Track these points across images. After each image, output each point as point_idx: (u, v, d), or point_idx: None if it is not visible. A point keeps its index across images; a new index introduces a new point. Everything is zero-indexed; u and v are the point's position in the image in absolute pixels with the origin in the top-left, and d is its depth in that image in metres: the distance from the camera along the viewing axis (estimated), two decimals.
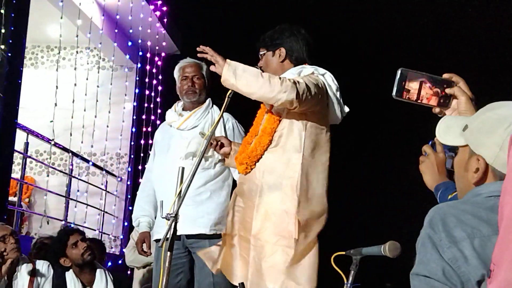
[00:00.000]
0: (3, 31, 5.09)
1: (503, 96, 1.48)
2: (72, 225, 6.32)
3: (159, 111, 8.24)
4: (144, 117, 8.39)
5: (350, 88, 3.55)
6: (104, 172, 7.99)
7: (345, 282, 2.25)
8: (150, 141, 7.71)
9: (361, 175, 10.42)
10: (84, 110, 7.16)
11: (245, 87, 2.67)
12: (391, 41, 10.34)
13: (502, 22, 9.79)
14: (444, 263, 1.28)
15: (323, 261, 2.68)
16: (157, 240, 3.29)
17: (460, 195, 1.48)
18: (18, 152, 5.80)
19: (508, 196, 1.12)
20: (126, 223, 8.14)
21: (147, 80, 8.40)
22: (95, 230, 7.47)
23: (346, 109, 2.98)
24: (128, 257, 5.19)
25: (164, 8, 8.22)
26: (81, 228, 4.94)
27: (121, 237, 8.13)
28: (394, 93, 1.68)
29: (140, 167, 8.10)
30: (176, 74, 3.63)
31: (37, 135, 6.32)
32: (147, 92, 8.41)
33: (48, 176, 7.28)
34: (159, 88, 8.48)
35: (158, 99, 8.41)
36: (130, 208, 7.74)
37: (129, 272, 5.99)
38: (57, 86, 6.30)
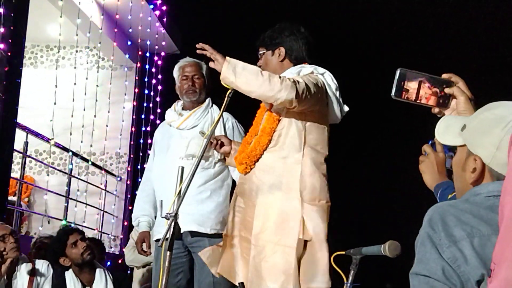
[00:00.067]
0: (2, 30, 5.09)
1: (503, 96, 1.48)
2: (72, 225, 6.32)
3: (158, 110, 8.25)
4: (143, 116, 8.40)
5: (350, 88, 3.55)
6: (103, 171, 7.99)
7: (345, 281, 2.25)
8: (149, 141, 7.72)
9: (361, 175, 10.42)
10: (84, 110, 7.16)
11: (244, 85, 2.66)
12: (391, 41, 10.34)
13: (502, 22, 9.79)
14: (443, 263, 1.28)
15: None
16: (158, 240, 3.29)
17: (458, 195, 1.48)
18: (18, 151, 5.80)
19: (509, 196, 1.11)
20: (125, 223, 8.14)
21: (146, 79, 8.40)
22: (94, 229, 7.46)
23: (346, 108, 2.97)
24: (127, 257, 5.19)
25: (164, 8, 8.22)
26: (80, 228, 4.94)
27: (121, 236, 8.14)
28: (393, 93, 1.68)
29: (139, 167, 8.10)
30: (176, 73, 3.63)
31: (36, 134, 6.32)
32: (146, 91, 8.41)
33: (48, 175, 7.28)
34: (159, 87, 8.49)
35: (158, 99, 8.41)
36: (130, 207, 7.74)
37: (129, 271, 5.99)
38: (56, 86, 6.30)
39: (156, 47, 8.33)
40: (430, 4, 10.42)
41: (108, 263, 6.48)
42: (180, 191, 2.69)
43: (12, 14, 5.20)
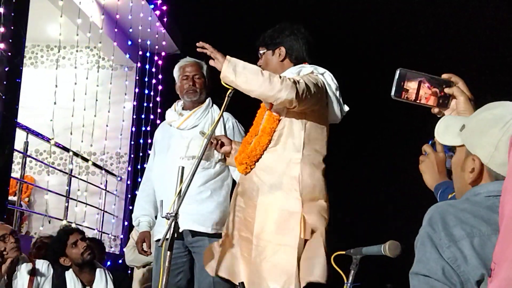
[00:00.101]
0: (2, 30, 5.09)
1: (503, 96, 1.48)
2: (73, 225, 6.32)
3: (159, 110, 8.25)
4: (143, 116, 8.40)
5: (350, 88, 3.55)
6: (104, 171, 7.99)
7: (345, 281, 2.25)
8: (149, 141, 7.72)
9: (361, 174, 10.41)
10: (84, 110, 7.16)
11: (244, 84, 2.66)
12: (391, 41, 10.34)
13: (502, 22, 9.79)
14: (443, 262, 1.28)
15: None
16: (158, 240, 3.29)
17: (458, 195, 1.49)
18: (18, 151, 5.80)
19: (509, 195, 1.12)
20: (126, 223, 8.14)
21: (146, 79, 8.40)
22: (94, 229, 7.47)
23: (346, 108, 2.97)
24: (128, 257, 5.19)
25: (164, 8, 8.22)
26: (81, 228, 4.94)
27: (121, 236, 8.14)
28: (392, 93, 1.68)
29: (139, 167, 8.10)
30: (176, 73, 3.63)
31: (37, 134, 6.32)
32: (147, 91, 8.42)
33: (48, 175, 7.28)
34: (159, 87, 8.49)
35: (158, 99, 8.41)
36: (130, 207, 7.74)
37: (129, 271, 5.99)
38: (56, 85, 6.30)
39: (157, 47, 8.34)
40: (430, 4, 10.42)
41: (108, 263, 6.48)
42: (180, 191, 2.69)
43: (12, 14, 5.20)
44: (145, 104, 8.42)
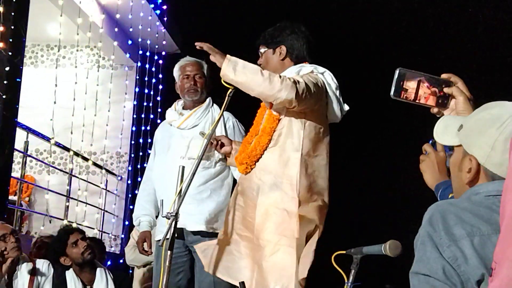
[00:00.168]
0: (2, 29, 5.10)
1: (503, 96, 1.48)
2: (73, 225, 6.32)
3: (159, 110, 8.24)
4: (144, 116, 8.40)
5: (350, 87, 3.55)
6: (104, 171, 7.99)
7: (346, 281, 2.25)
8: (150, 140, 7.72)
9: (362, 174, 10.41)
10: (84, 109, 7.15)
11: (244, 83, 2.66)
12: (391, 41, 10.34)
13: (502, 22, 9.79)
14: (444, 262, 1.28)
15: (323, 260, 2.68)
16: (159, 240, 3.29)
17: (456, 195, 1.49)
18: (18, 151, 5.80)
19: (510, 194, 1.12)
20: (126, 222, 8.14)
21: (147, 78, 8.39)
22: (93, 229, 7.47)
23: (346, 107, 2.96)
24: (128, 256, 5.19)
25: (164, 7, 8.22)
26: (81, 227, 4.94)
27: (122, 236, 8.14)
28: (392, 92, 1.68)
29: (140, 166, 8.11)
30: (177, 72, 3.63)
31: (37, 134, 6.32)
32: (147, 90, 8.41)
33: (48, 175, 7.28)
34: (159, 87, 8.48)
35: (158, 98, 8.41)
36: (131, 207, 7.74)
37: (130, 271, 5.99)
38: (56, 85, 6.30)
39: (157, 46, 8.33)
40: (430, 4, 10.42)
41: (109, 263, 6.48)
42: (180, 190, 2.69)
43: (13, 14, 5.21)
44: (145, 104, 8.43)
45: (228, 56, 2.68)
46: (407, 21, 10.45)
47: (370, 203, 10.37)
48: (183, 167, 2.77)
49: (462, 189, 1.43)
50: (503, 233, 1.12)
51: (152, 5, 7.95)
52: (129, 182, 8.38)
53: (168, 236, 2.62)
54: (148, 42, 8.16)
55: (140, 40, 7.98)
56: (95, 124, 7.25)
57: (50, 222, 6.75)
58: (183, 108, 3.61)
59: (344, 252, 2.31)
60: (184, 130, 3.51)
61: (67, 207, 6.84)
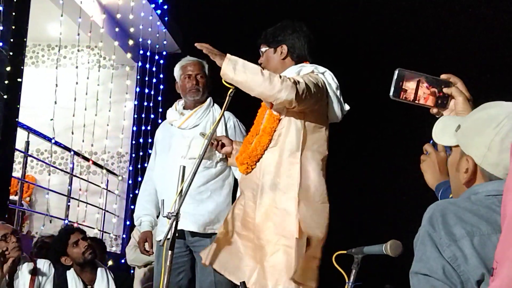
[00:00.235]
0: (3, 29, 5.10)
1: (503, 96, 1.48)
2: (74, 224, 6.32)
3: (160, 109, 8.24)
4: (144, 115, 8.40)
5: (350, 87, 3.55)
6: (105, 171, 8.00)
7: (347, 281, 2.25)
8: (150, 140, 7.72)
9: (362, 174, 10.41)
10: (85, 109, 7.16)
11: (244, 83, 2.65)
12: (391, 41, 10.33)
13: (502, 22, 9.79)
14: (444, 262, 1.28)
15: (324, 260, 2.68)
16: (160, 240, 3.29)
17: (454, 195, 1.49)
18: (19, 151, 5.80)
19: (511, 194, 1.12)
20: (127, 222, 8.15)
21: (147, 78, 8.39)
22: (94, 228, 7.47)
23: (347, 107, 2.96)
24: (129, 256, 5.20)
25: (165, 7, 8.22)
26: (82, 227, 4.94)
27: (123, 236, 8.14)
28: (391, 93, 1.68)
29: (140, 166, 8.11)
30: (177, 72, 3.62)
31: (38, 134, 6.32)
32: (147, 90, 8.41)
33: (49, 175, 7.29)
34: (160, 86, 8.48)
35: (159, 98, 8.41)
36: (131, 207, 7.74)
37: (131, 271, 6.00)
38: (57, 85, 6.30)
39: (157, 46, 8.34)
40: (430, 4, 10.42)
41: (110, 263, 6.48)
42: (181, 190, 2.70)
43: (13, 13, 5.21)
44: (146, 104, 8.43)
45: (228, 55, 2.67)
46: (407, 21, 10.44)
47: (371, 203, 10.37)
48: (184, 167, 2.77)
49: (460, 189, 1.44)
50: (504, 233, 1.12)
51: (153, 5, 7.96)
52: (130, 182, 8.38)
53: (169, 236, 2.63)
54: (149, 42, 8.16)
55: (141, 40, 7.99)
56: (95, 124, 7.26)
57: (50, 222, 6.76)
58: (184, 108, 3.61)
59: (345, 252, 2.31)
60: (185, 130, 3.51)
61: (68, 207, 6.84)
